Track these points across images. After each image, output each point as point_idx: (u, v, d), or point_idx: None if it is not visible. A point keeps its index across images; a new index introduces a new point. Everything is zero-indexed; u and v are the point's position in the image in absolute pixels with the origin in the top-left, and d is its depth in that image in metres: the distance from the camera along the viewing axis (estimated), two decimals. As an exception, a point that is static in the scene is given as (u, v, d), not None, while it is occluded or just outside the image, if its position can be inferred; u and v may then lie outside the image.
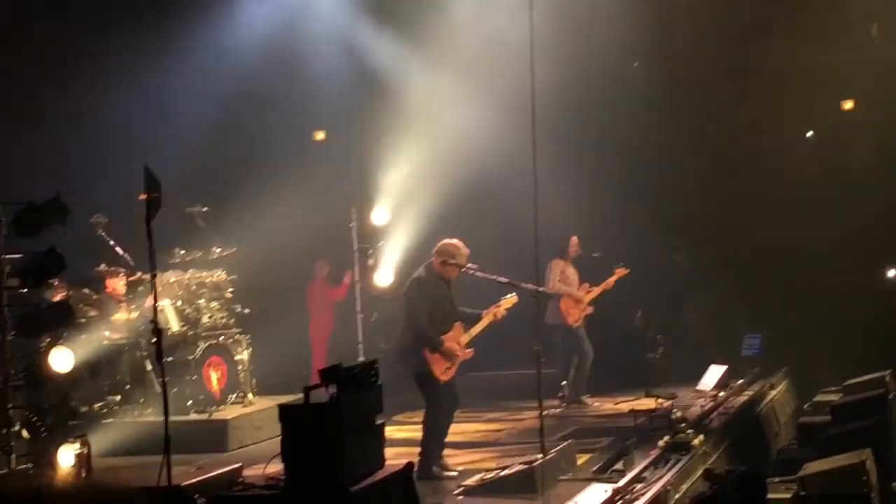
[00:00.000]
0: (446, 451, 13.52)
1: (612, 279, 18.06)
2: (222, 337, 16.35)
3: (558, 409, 17.24)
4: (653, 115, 20.95)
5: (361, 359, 18.53)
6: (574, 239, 17.91)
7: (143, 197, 10.80)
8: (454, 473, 13.04)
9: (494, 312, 13.49)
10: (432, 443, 13.14)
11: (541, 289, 13.36)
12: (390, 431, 12.21)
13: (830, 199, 21.43)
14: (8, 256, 12.73)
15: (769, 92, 21.84)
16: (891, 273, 22.48)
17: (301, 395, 10.13)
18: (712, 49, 21.76)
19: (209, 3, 19.10)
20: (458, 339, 13.18)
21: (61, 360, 12.82)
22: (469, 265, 13.27)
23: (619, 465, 13.16)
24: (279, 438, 10.05)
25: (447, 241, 13.31)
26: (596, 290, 17.99)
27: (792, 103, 21.84)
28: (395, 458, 11.65)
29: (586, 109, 20.70)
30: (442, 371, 12.99)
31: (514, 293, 13.71)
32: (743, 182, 21.91)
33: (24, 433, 12.64)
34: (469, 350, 13.28)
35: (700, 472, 13.42)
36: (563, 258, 17.86)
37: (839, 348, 19.55)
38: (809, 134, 23.13)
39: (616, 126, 20.93)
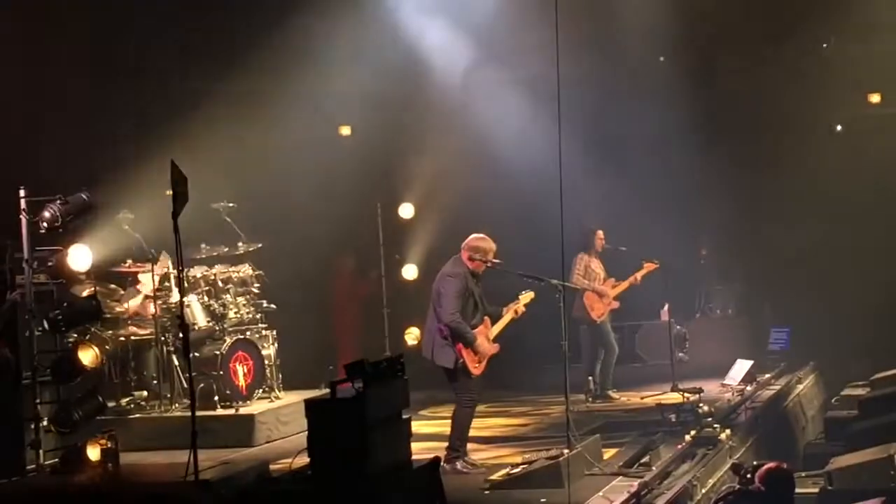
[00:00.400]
0: (471, 446, 13.53)
1: (640, 273, 17.93)
2: (249, 332, 16.36)
3: (584, 404, 17.21)
4: (679, 109, 20.88)
5: (387, 353, 18.53)
6: (599, 233, 17.81)
7: (169, 192, 10.83)
8: (483, 469, 13.05)
9: (515, 309, 13.52)
10: (457, 438, 13.17)
11: (566, 283, 13.32)
12: (416, 426, 12.20)
13: (858, 192, 21.35)
14: (37, 251, 12.80)
15: (796, 84, 21.76)
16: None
17: (327, 390, 10.16)
18: (738, 43, 21.71)
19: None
20: (487, 334, 13.22)
21: (88, 355, 12.88)
22: (494, 261, 13.29)
23: (645, 460, 13.14)
24: (305, 433, 10.08)
25: (475, 235, 13.34)
26: (622, 285, 17.89)
27: (819, 97, 21.76)
28: (421, 452, 11.66)
29: (612, 103, 20.66)
30: (474, 365, 13.01)
31: (530, 290, 13.75)
32: (770, 176, 21.85)
33: (53, 428, 12.69)
34: (496, 345, 13.30)
35: (727, 466, 13.43)
36: (588, 252, 17.77)
37: (866, 342, 19.48)
38: (839, 128, 23.05)
39: (641, 120, 20.88)
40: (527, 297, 13.69)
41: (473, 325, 13.04)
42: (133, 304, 15.84)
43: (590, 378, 17.66)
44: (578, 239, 17.30)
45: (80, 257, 12.98)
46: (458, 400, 13.18)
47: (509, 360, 14.68)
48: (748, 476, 10.06)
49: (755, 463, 10.63)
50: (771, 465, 10.36)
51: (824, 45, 22.31)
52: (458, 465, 13.02)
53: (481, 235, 13.34)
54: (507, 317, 13.51)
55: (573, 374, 13.69)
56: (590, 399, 17.52)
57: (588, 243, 17.71)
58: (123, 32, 17.42)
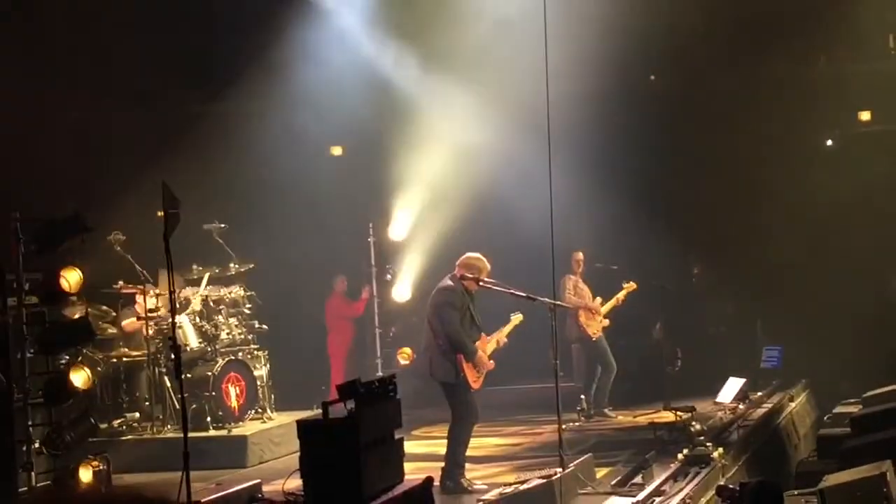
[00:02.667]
0: (466, 465, 13.52)
1: (621, 295, 18.01)
2: (241, 353, 16.37)
3: (577, 423, 17.21)
4: (669, 126, 20.94)
5: (380, 374, 18.54)
6: (578, 255, 17.88)
7: (161, 213, 10.84)
8: (483, 487, 13.05)
9: (497, 339, 13.66)
10: (459, 454, 13.17)
11: (558, 302, 13.35)
12: (409, 446, 12.20)
13: (848, 210, 21.37)
14: (28, 273, 12.79)
15: (787, 103, 21.81)
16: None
17: (319, 411, 10.15)
18: (729, 60, 21.75)
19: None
20: (484, 349, 13.28)
21: (80, 377, 12.86)
22: (487, 280, 13.34)
23: (638, 479, 13.14)
24: (298, 454, 10.08)
25: (470, 254, 13.43)
26: (610, 304, 17.98)
27: (809, 114, 21.82)
28: (414, 472, 11.68)
29: (602, 122, 20.67)
30: (473, 379, 13.05)
31: (519, 312, 13.91)
32: (761, 193, 21.88)
33: (45, 450, 12.67)
34: (491, 362, 13.36)
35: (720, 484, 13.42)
36: (573, 273, 17.89)
37: (858, 360, 19.48)
38: (829, 142, 23.09)
39: (632, 138, 20.91)
40: (517, 319, 13.81)
41: (472, 340, 13.10)
42: (130, 323, 15.86)
43: (582, 397, 17.67)
44: (565, 260, 17.38)
45: (72, 279, 12.97)
46: (458, 416, 13.18)
47: (501, 378, 14.73)
48: (735, 495, 10.05)
49: (741, 483, 10.62)
50: (758, 480, 10.38)
51: (815, 64, 22.38)
52: (462, 482, 13.03)
53: (476, 255, 13.42)
54: (493, 342, 13.63)
55: (565, 392, 13.71)
56: (583, 418, 17.53)
57: (572, 264, 17.80)
58: (118, 55, 17.43)
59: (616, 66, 20.27)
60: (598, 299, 17.96)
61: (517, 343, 14.27)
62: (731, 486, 10.55)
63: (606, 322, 17.99)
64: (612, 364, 17.96)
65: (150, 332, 15.54)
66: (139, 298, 15.92)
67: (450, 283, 13.27)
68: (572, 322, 17.65)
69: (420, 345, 13.74)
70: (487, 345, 13.46)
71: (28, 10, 16.45)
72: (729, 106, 21.82)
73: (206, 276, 16.32)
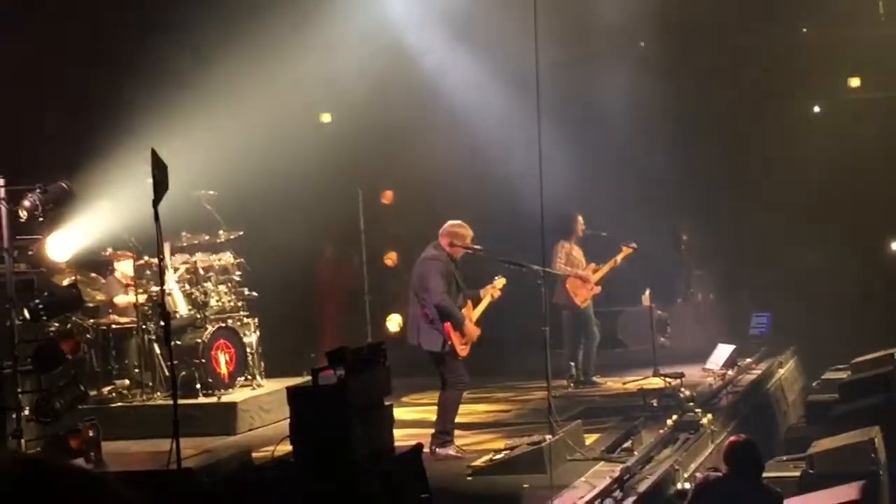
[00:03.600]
0: (456, 432, 13.55)
1: (619, 257, 17.92)
2: (230, 320, 16.36)
3: (566, 390, 17.24)
4: (657, 92, 20.91)
5: (369, 340, 18.55)
6: (580, 218, 17.84)
7: (149, 180, 10.81)
8: (470, 451, 13.11)
9: (491, 293, 13.68)
10: (448, 422, 13.22)
11: (547, 269, 13.36)
12: (399, 413, 12.24)
13: (837, 176, 21.41)
14: (18, 239, 12.77)
15: (775, 69, 21.81)
16: (894, 245, 22.50)
17: (309, 378, 10.16)
18: (718, 25, 21.72)
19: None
20: (470, 317, 13.31)
21: (69, 344, 12.84)
22: (475, 247, 13.37)
23: (627, 445, 13.18)
24: (288, 421, 10.09)
25: (453, 222, 13.46)
26: (603, 269, 17.90)
27: (798, 80, 21.83)
28: (403, 439, 11.71)
29: (590, 88, 20.68)
30: (460, 347, 13.07)
31: (503, 276, 13.99)
32: (750, 159, 21.91)
33: (34, 417, 12.66)
34: (478, 328, 13.39)
35: (709, 450, 13.48)
36: (568, 239, 17.80)
37: (847, 326, 19.54)
38: (816, 109, 23.10)
39: (620, 104, 20.88)
40: (500, 281, 13.86)
41: (458, 308, 13.14)
42: (117, 295, 15.86)
43: (571, 364, 17.71)
44: (557, 225, 17.29)
45: (59, 246, 12.95)
46: (448, 383, 13.22)
47: (490, 345, 14.74)
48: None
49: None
50: (731, 439, 10.44)
51: (803, 30, 22.37)
52: (451, 449, 13.06)
53: (458, 222, 13.47)
54: (485, 301, 13.66)
55: (554, 360, 13.74)
56: (571, 385, 17.56)
57: (568, 229, 17.72)
58: (105, 19, 17.36)
59: (604, 32, 20.26)
60: (592, 265, 17.92)
61: (505, 309, 14.29)
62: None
63: (597, 290, 17.93)
64: (595, 333, 17.94)
65: (140, 299, 15.52)
66: (118, 266, 15.91)
67: (434, 251, 13.30)
68: (561, 288, 17.64)
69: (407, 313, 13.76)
70: (473, 312, 13.49)
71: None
72: (718, 73, 21.82)
73: (168, 245, 16.17)
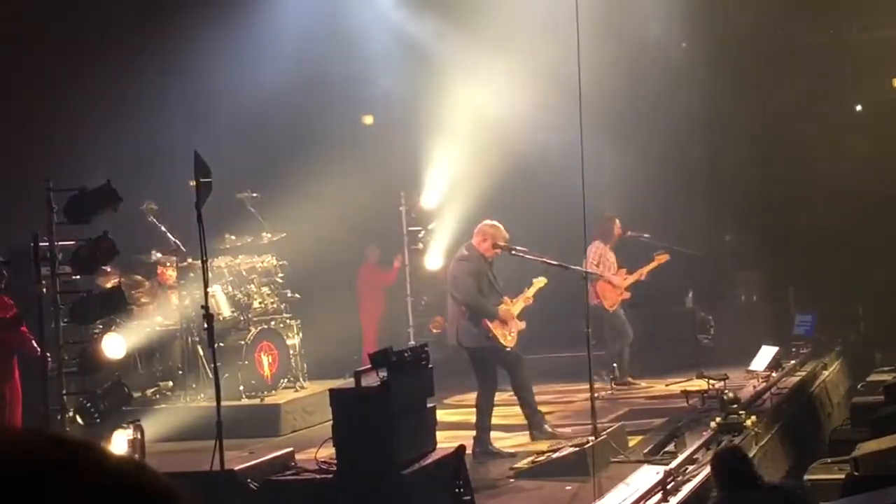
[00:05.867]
0: (498, 434, 13.60)
1: (649, 267, 17.86)
2: (273, 322, 16.41)
3: (609, 392, 17.17)
4: (700, 93, 20.85)
5: (412, 342, 18.57)
6: (617, 222, 17.80)
7: (193, 183, 10.85)
8: (511, 452, 13.18)
9: (524, 300, 13.78)
10: (484, 421, 13.34)
11: (589, 270, 13.37)
12: (441, 415, 12.22)
13: (883, 176, 21.27)
14: (60, 243, 12.82)
15: (818, 69, 21.71)
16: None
17: (352, 380, 10.17)
18: (760, 26, 21.64)
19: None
20: (511, 310, 13.45)
21: (114, 346, 12.90)
22: (517, 247, 13.47)
23: (670, 447, 13.12)
24: (330, 422, 10.10)
25: (487, 222, 13.73)
26: (632, 277, 17.86)
27: (841, 80, 21.71)
28: (446, 441, 11.68)
29: (633, 90, 20.62)
30: (506, 338, 13.20)
31: (543, 276, 14.18)
32: (794, 159, 21.80)
33: (78, 419, 12.72)
34: (521, 322, 13.51)
35: (753, 452, 13.40)
36: (605, 241, 17.78)
37: (893, 327, 19.41)
38: (858, 108, 22.98)
39: (663, 105, 20.82)
40: (540, 282, 13.96)
41: (491, 304, 13.30)
42: (157, 298, 15.94)
43: (615, 365, 17.63)
44: (595, 227, 17.27)
45: (104, 249, 13.00)
46: (481, 384, 13.40)
47: (532, 346, 14.74)
48: None
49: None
50: (715, 451, 10.32)
51: (850, 29, 22.27)
52: (492, 447, 13.18)
53: (492, 222, 13.70)
54: (520, 304, 13.80)
55: (597, 361, 13.75)
56: (612, 385, 17.46)
57: (606, 231, 17.69)
58: (150, 26, 17.44)
59: (647, 33, 20.21)
60: (623, 270, 17.88)
61: (548, 311, 14.31)
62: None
63: (626, 295, 17.88)
64: (628, 334, 17.89)
65: (184, 301, 15.59)
66: (160, 269, 16.00)
67: (465, 252, 13.59)
68: (591, 290, 17.61)
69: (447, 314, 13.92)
70: (514, 306, 13.59)
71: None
72: (760, 72, 21.74)
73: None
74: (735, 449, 9.94)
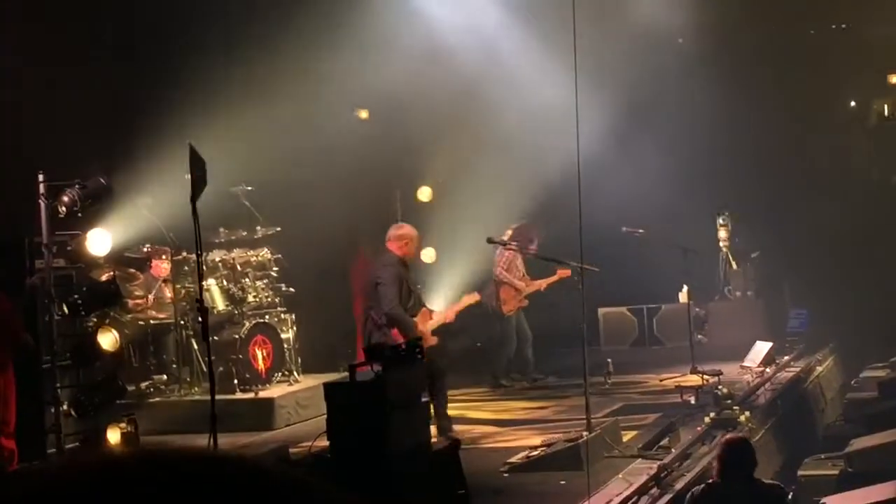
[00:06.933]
0: (493, 428, 13.58)
1: (549, 280, 17.77)
2: (268, 316, 16.40)
3: (605, 386, 17.06)
4: (697, 88, 20.86)
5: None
6: (534, 233, 17.69)
7: (187, 176, 10.84)
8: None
9: (446, 315, 13.88)
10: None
11: (586, 266, 13.32)
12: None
13: (879, 173, 21.31)
14: (57, 234, 12.83)
15: (816, 65, 21.73)
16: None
17: (346, 374, 10.17)
18: (757, 23, 21.66)
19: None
20: (425, 324, 13.29)
21: (108, 339, 12.91)
22: (531, 247, 13.47)
23: (664, 442, 13.15)
24: (325, 416, 10.10)
25: (400, 225, 13.86)
26: (533, 286, 17.85)
27: (838, 76, 21.73)
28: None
29: (630, 84, 20.61)
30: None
31: (475, 292, 14.62)
32: (789, 155, 21.83)
33: (73, 412, 12.73)
34: (434, 337, 13.33)
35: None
36: (520, 248, 17.73)
37: (886, 323, 19.43)
38: (853, 104, 23.01)
39: (660, 100, 20.84)
40: (471, 298, 14.07)
41: (410, 313, 13.16)
42: (154, 291, 15.93)
43: (609, 360, 17.57)
44: (518, 233, 17.45)
45: (99, 242, 13.02)
46: None
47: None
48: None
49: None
50: (727, 437, 10.31)
51: (843, 27, 22.29)
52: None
53: (401, 223, 13.89)
54: (439, 319, 13.78)
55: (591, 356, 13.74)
56: (607, 380, 17.36)
57: (518, 238, 17.58)
58: (141, 17, 17.41)
59: (648, 29, 20.22)
60: (527, 278, 17.86)
61: (546, 305, 14.30)
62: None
63: (525, 303, 17.88)
64: (527, 334, 17.92)
65: (175, 295, 15.59)
66: (154, 262, 16.01)
67: (387, 257, 13.38)
68: (492, 292, 17.66)
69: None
70: (431, 322, 13.42)
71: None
72: (761, 71, 21.76)
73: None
74: (746, 441, 9.93)
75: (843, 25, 22.27)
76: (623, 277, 20.06)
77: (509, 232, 17.60)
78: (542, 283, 17.84)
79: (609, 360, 17.65)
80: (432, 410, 13.43)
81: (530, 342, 18.06)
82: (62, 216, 12.66)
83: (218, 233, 16.47)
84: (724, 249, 21.58)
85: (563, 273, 17.37)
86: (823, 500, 11.01)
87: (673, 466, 12.04)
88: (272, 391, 15.69)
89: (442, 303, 17.79)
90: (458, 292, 17.21)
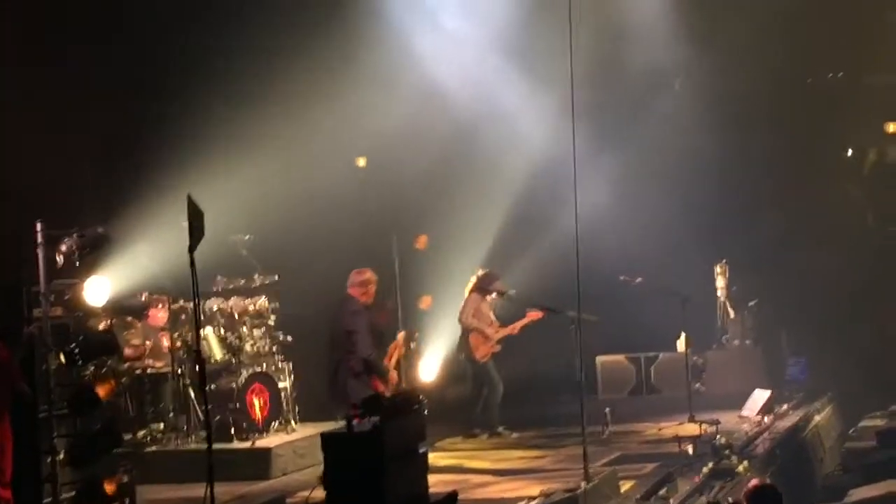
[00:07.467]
0: (490, 478, 13.54)
1: (521, 323, 17.78)
2: (265, 364, 16.37)
3: (604, 436, 17.01)
4: (695, 135, 20.91)
5: (404, 385, 18.56)
6: (498, 284, 17.69)
7: (185, 224, 10.84)
8: None
9: (511, 328, 13.78)
10: None
11: (584, 316, 13.32)
12: (433, 458, 12.19)
13: (873, 222, 21.34)
14: (55, 283, 12.83)
15: (815, 112, 21.80)
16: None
17: (343, 423, 10.15)
18: (756, 68, 21.72)
19: (257, 19, 19.08)
20: (389, 365, 13.51)
21: (105, 388, 12.88)
22: (510, 291, 13.49)
23: (662, 492, 13.11)
24: (321, 465, 10.07)
25: (361, 270, 14.17)
26: (504, 331, 17.83)
27: (837, 124, 21.79)
28: (438, 485, 11.65)
29: (628, 130, 20.67)
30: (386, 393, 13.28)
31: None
32: (786, 203, 21.85)
33: (69, 461, 12.68)
34: (394, 373, 13.58)
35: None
36: (481, 294, 17.74)
37: (884, 373, 19.42)
38: (850, 153, 23.07)
39: (658, 147, 20.88)
40: (535, 314, 14.09)
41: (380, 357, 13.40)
42: (152, 340, 15.94)
43: (607, 410, 17.51)
44: (481, 281, 17.58)
45: (97, 290, 13.01)
46: None
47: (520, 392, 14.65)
48: None
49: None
50: (755, 482, 10.26)
51: (840, 75, 22.38)
52: None
53: (360, 270, 14.20)
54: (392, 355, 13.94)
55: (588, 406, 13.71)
56: (605, 429, 17.32)
57: (483, 286, 17.63)
58: (143, 63, 17.46)
59: (641, 72, 20.27)
60: (497, 324, 17.84)
61: (537, 355, 14.31)
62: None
63: (497, 348, 17.84)
64: (497, 383, 17.81)
65: (173, 344, 15.58)
66: (151, 311, 16.02)
67: (353, 304, 13.45)
68: (464, 340, 17.68)
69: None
70: (497, 332, 13.57)
71: (51, 19, 16.47)
72: (754, 115, 21.81)
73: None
74: (776, 489, 9.88)
75: (840, 74, 22.34)
76: (621, 325, 20.03)
77: (473, 279, 17.71)
78: (513, 328, 17.80)
79: (607, 409, 17.60)
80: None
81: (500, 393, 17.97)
82: (60, 265, 12.65)
83: (216, 281, 16.47)
84: (722, 298, 21.57)
85: (532, 315, 17.40)
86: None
87: (671, 517, 12.01)
88: (269, 440, 15.65)
89: (440, 350, 17.93)
90: (454, 340, 17.32)
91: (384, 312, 20.31)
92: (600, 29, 18.21)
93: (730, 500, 11.15)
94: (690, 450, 14.94)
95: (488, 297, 17.69)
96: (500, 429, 17.77)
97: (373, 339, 13.32)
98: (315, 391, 17.34)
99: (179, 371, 15.68)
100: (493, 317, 17.83)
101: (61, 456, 12.69)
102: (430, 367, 19.81)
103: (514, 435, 17.74)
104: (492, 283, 17.61)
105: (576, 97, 12.50)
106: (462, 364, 17.97)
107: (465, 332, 17.67)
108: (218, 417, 15.16)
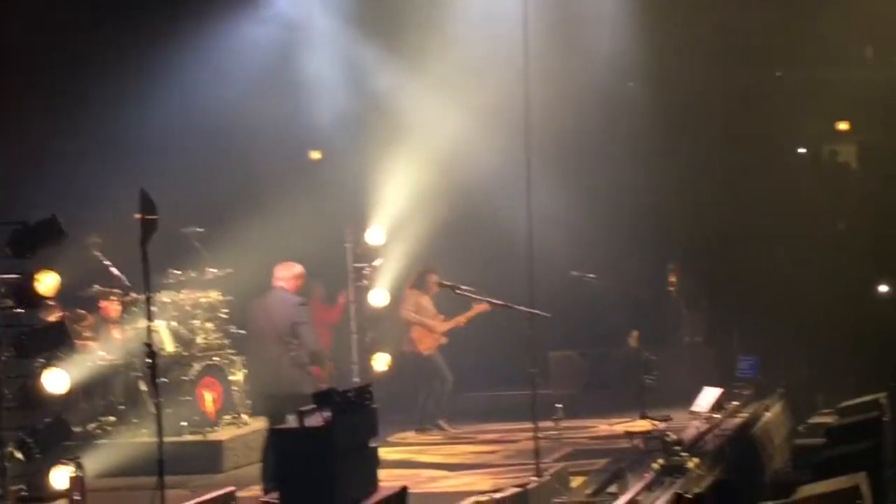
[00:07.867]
0: (441, 473, 13.55)
1: (468, 315, 17.83)
2: (217, 358, 16.32)
3: (554, 431, 17.04)
4: (647, 134, 20.96)
5: (356, 380, 18.56)
6: (435, 277, 17.69)
7: (138, 217, 10.81)
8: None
9: (458, 320, 15.74)
10: None
11: (535, 311, 13.34)
12: (384, 453, 12.19)
13: (828, 218, 21.45)
14: (2, 277, 12.72)
15: (763, 112, 21.88)
16: (882, 288, 22.46)
17: (295, 418, 10.14)
18: (707, 68, 21.79)
19: (205, 22, 19.03)
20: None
21: (55, 380, 12.81)
22: (464, 287, 13.49)
23: (613, 488, 13.13)
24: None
25: (290, 264, 14.14)
26: (450, 323, 17.88)
27: (787, 124, 21.88)
28: (389, 479, 11.66)
29: (580, 128, 20.68)
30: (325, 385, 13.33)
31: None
32: (738, 202, 21.92)
33: (18, 454, 12.59)
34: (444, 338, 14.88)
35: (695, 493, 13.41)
36: (419, 289, 17.81)
37: (835, 370, 19.52)
38: (801, 150, 23.18)
39: (610, 145, 20.94)
40: (481, 307, 14.26)
41: None
42: (103, 332, 15.86)
43: (559, 406, 17.52)
44: (411, 277, 17.84)
45: (47, 282, 12.92)
46: None
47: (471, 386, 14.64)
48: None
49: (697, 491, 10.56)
50: (715, 480, 10.30)
51: (777, 74, 22.51)
52: None
53: (288, 263, 14.13)
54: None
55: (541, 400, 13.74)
56: (555, 423, 17.35)
57: (421, 282, 17.74)
58: (89, 58, 17.39)
59: (594, 73, 20.30)
60: (441, 316, 17.89)
61: (492, 348, 14.32)
62: (688, 496, 10.44)
63: (443, 340, 17.91)
64: (447, 376, 17.86)
65: (126, 336, 15.51)
66: (103, 304, 15.95)
67: (296, 298, 13.45)
68: (406, 335, 17.74)
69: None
70: (444, 325, 14.05)
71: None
72: (706, 114, 21.88)
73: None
74: (735, 484, 9.91)
75: (790, 71, 22.43)
76: (574, 321, 20.08)
77: (413, 278, 17.87)
78: (460, 320, 17.83)
79: (559, 404, 17.63)
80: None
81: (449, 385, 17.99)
82: (11, 257, 12.56)
83: (168, 274, 16.40)
84: (675, 295, 21.63)
85: (479, 308, 17.38)
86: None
87: (621, 513, 12.03)
88: (221, 433, 15.62)
89: (394, 346, 17.95)
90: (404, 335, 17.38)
91: (336, 307, 20.34)
92: (554, 25, 18.24)
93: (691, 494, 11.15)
94: (641, 446, 14.99)
95: (431, 291, 17.73)
96: (442, 422, 17.77)
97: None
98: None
99: (131, 363, 15.60)
100: (434, 310, 17.85)
101: (10, 449, 12.61)
102: (381, 360, 19.82)
103: (457, 429, 17.76)
104: (429, 276, 17.65)
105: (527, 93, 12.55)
106: (408, 358, 17.99)
107: (406, 326, 17.73)
108: (169, 410, 15.06)
